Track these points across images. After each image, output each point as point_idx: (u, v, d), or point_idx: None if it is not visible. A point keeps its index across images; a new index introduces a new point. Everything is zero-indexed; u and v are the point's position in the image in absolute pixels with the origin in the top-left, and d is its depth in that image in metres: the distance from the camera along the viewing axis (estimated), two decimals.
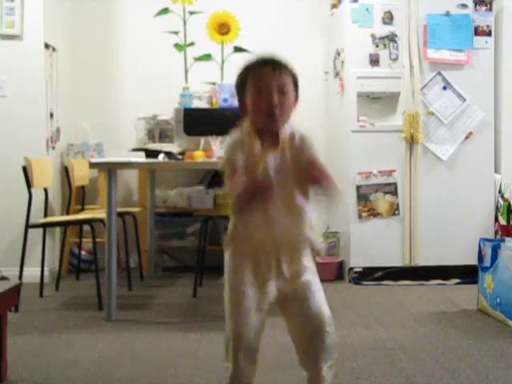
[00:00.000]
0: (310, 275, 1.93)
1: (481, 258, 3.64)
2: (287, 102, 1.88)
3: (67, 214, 4.62)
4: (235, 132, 1.94)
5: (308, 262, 1.94)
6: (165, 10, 4.98)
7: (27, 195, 3.92)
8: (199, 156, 4.00)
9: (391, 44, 4.54)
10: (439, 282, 4.50)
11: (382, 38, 4.54)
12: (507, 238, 3.75)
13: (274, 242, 1.89)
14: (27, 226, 3.92)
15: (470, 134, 4.58)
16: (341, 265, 4.72)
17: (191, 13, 4.97)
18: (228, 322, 1.95)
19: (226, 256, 2.00)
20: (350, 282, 4.54)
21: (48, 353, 2.89)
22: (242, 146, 1.90)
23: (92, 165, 3.78)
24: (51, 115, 4.71)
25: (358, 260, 4.55)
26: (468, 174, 4.58)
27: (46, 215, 4.22)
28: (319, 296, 1.93)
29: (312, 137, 1.95)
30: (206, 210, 4.83)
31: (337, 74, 4.81)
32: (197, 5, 4.96)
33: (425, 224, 4.55)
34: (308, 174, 1.86)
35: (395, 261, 4.56)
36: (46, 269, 4.22)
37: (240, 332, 1.92)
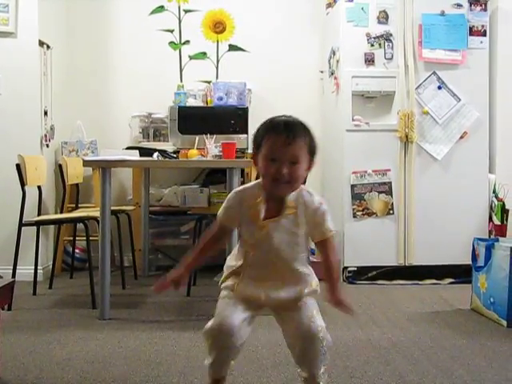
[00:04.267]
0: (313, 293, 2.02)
1: (475, 257, 3.65)
2: (297, 172, 1.91)
3: (61, 212, 4.60)
4: (241, 188, 2.04)
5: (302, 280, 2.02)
6: (160, 8, 4.99)
7: (21, 193, 3.91)
8: (194, 154, 4.00)
9: (386, 43, 4.54)
10: (433, 281, 4.50)
11: (377, 38, 4.54)
12: (501, 238, 3.77)
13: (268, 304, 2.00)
14: (21, 224, 3.90)
15: (465, 133, 4.58)
16: None
17: (186, 11, 4.97)
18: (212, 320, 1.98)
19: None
20: (344, 281, 4.54)
21: (41, 351, 2.88)
22: (240, 204, 1.98)
23: (86, 163, 3.77)
24: (45, 113, 4.70)
25: (352, 259, 4.55)
26: (462, 173, 4.58)
27: (39, 213, 4.21)
28: (311, 304, 1.98)
29: (325, 208, 2.00)
30: (200, 209, 4.82)
31: (332, 73, 4.81)
32: (192, 3, 4.97)
33: (419, 224, 4.55)
34: (332, 301, 1.96)
35: (389, 260, 4.57)
36: (39, 267, 4.21)
37: (222, 323, 1.93)
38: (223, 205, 2.03)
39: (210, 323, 1.96)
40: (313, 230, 1.98)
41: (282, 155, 1.88)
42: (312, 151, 1.96)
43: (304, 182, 2.03)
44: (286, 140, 1.88)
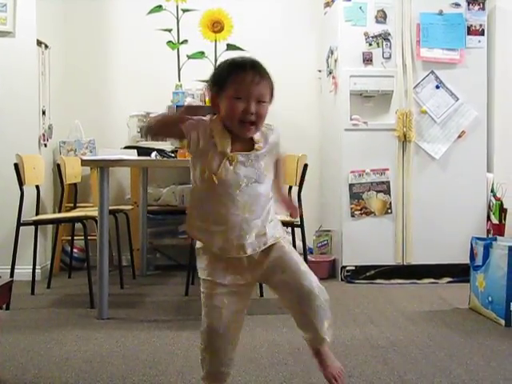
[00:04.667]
0: (279, 245, 1.98)
1: (473, 256, 3.65)
2: (263, 111, 1.89)
3: (59, 211, 4.60)
4: (207, 118, 1.95)
5: (274, 229, 1.99)
6: (158, 8, 4.98)
7: (19, 193, 3.91)
8: None
9: (384, 43, 4.54)
10: (431, 280, 4.51)
11: (375, 37, 4.54)
12: (499, 237, 3.77)
13: (238, 242, 1.93)
14: (19, 224, 3.90)
15: (463, 132, 4.59)
16: (333, 263, 4.73)
17: (184, 10, 4.96)
18: (203, 315, 1.97)
19: (197, 252, 2.02)
20: (342, 280, 4.55)
21: (39, 351, 2.88)
22: (209, 131, 1.89)
23: (84, 162, 3.77)
24: (43, 112, 4.69)
25: (350, 259, 4.55)
26: (460, 172, 4.59)
27: (37, 213, 4.21)
28: (295, 261, 1.97)
29: (279, 132, 2.02)
30: None
31: (330, 73, 4.81)
32: (190, 2, 4.96)
33: (417, 223, 4.56)
34: (279, 199, 2.00)
35: (388, 259, 4.57)
36: (37, 267, 4.21)
37: (211, 322, 1.93)
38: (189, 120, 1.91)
39: (201, 326, 1.96)
40: (273, 152, 1.99)
41: (250, 93, 1.86)
42: (273, 92, 1.94)
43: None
44: (254, 78, 1.86)
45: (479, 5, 4.59)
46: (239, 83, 1.86)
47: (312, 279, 1.94)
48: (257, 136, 1.93)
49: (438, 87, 4.57)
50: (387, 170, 4.55)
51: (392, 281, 4.51)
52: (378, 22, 4.55)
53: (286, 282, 1.95)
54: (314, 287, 1.92)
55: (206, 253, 1.97)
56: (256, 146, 1.92)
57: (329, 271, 4.69)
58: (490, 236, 4.37)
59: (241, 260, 1.94)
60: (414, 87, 4.55)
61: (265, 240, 1.95)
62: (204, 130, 1.89)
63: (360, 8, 4.53)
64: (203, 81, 5.00)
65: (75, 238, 4.67)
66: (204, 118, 1.93)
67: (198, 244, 2.00)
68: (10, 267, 3.86)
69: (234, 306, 1.95)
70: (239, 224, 1.91)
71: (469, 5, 4.59)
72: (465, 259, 3.82)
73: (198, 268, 2.00)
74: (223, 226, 1.91)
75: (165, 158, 4.29)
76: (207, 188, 1.91)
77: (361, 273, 4.55)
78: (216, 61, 5.02)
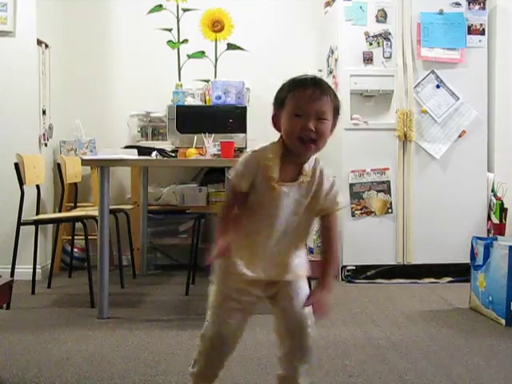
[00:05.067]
0: (298, 278, 1.94)
1: (473, 256, 3.65)
2: (323, 128, 1.81)
3: (60, 211, 4.60)
4: (259, 149, 1.89)
5: (296, 267, 1.93)
6: (158, 7, 4.99)
7: (19, 192, 3.91)
8: (192, 153, 3.99)
9: (385, 42, 4.54)
10: (432, 280, 4.51)
11: (375, 36, 4.54)
12: (500, 237, 3.77)
13: (266, 276, 1.90)
14: (19, 223, 3.90)
15: (463, 132, 4.59)
16: None
17: (185, 10, 4.97)
18: (209, 320, 1.96)
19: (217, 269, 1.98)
20: (342, 280, 4.54)
21: (40, 350, 2.88)
22: (255, 167, 1.85)
23: (84, 162, 3.77)
24: (44, 112, 4.69)
25: (350, 258, 4.55)
26: (461, 172, 4.58)
27: (38, 212, 4.20)
28: (304, 297, 1.92)
29: (337, 184, 1.93)
30: (198, 208, 4.82)
31: (330, 72, 4.81)
32: (190, 2, 4.97)
33: (418, 222, 4.55)
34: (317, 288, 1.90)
35: (388, 259, 4.57)
36: (38, 266, 4.21)
37: (219, 330, 1.92)
38: (236, 166, 1.88)
39: (206, 331, 1.95)
40: (323, 203, 1.90)
41: (308, 109, 1.79)
42: (336, 111, 1.86)
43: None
44: (313, 94, 1.79)
45: (480, 4, 4.59)
46: (298, 99, 1.80)
47: (310, 319, 1.90)
48: (307, 168, 1.87)
49: (438, 87, 4.56)
50: (387, 169, 4.55)
51: (392, 280, 4.51)
52: (378, 21, 4.55)
53: (287, 310, 1.92)
54: (308, 325, 1.89)
55: (228, 269, 1.93)
56: (302, 177, 1.86)
57: None
58: (491, 236, 4.37)
59: (260, 282, 1.92)
60: (415, 87, 4.55)
61: (287, 273, 1.91)
62: (250, 171, 1.85)
63: (360, 7, 4.53)
64: (203, 80, 5.02)
65: (75, 237, 4.67)
66: (258, 149, 1.89)
67: (223, 260, 1.94)
68: (10, 267, 3.87)
69: (241, 317, 1.94)
70: (270, 253, 1.89)
71: (469, 4, 4.59)
72: (465, 259, 3.82)
73: (216, 276, 1.96)
74: (254, 251, 1.89)
75: (165, 158, 4.29)
76: (250, 214, 1.89)
77: (361, 272, 4.55)
78: (216, 60, 5.02)
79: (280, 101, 1.85)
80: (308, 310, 1.91)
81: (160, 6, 4.98)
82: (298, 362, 1.91)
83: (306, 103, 1.79)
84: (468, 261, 3.73)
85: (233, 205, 1.91)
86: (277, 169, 1.84)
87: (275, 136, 1.92)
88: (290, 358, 1.92)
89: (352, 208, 4.53)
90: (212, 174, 5.01)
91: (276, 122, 1.88)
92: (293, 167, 1.87)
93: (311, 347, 1.91)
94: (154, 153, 4.27)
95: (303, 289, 1.94)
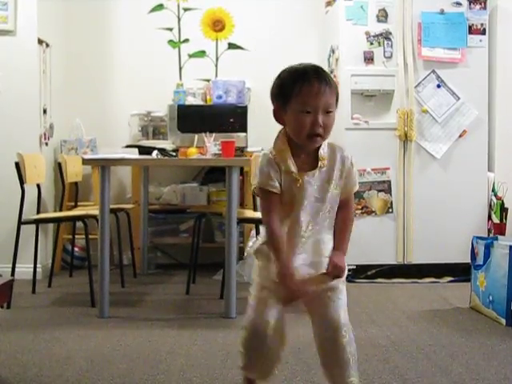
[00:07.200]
0: (336, 282, 1.94)
1: (474, 256, 3.65)
2: (330, 122, 1.81)
3: (60, 210, 4.60)
4: (267, 151, 1.88)
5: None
6: (159, 7, 4.98)
7: (20, 191, 3.91)
8: (193, 153, 4.00)
9: (385, 42, 4.54)
10: (432, 280, 4.51)
11: (376, 36, 4.54)
12: (500, 237, 3.77)
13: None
14: (20, 223, 3.90)
15: (464, 132, 4.59)
16: None
17: (185, 9, 4.97)
18: (247, 317, 1.96)
19: (256, 262, 1.99)
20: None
21: (40, 349, 2.88)
22: (276, 165, 1.84)
23: (85, 161, 3.78)
24: (44, 111, 4.69)
25: (351, 258, 4.47)
26: (461, 172, 4.58)
27: (38, 211, 4.20)
28: (341, 304, 1.91)
29: (351, 159, 1.92)
30: (199, 207, 4.83)
31: (331, 72, 4.80)
32: (191, 1, 4.96)
33: (418, 222, 4.55)
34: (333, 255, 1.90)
35: (388, 259, 4.57)
36: (38, 265, 4.21)
37: (254, 319, 1.93)
38: (259, 171, 1.85)
39: (244, 322, 1.96)
40: (346, 184, 1.90)
41: (317, 105, 1.76)
42: (338, 99, 1.86)
43: None
44: (320, 88, 1.76)
45: (480, 4, 4.59)
46: (306, 95, 1.77)
47: (345, 322, 1.88)
48: (322, 153, 1.85)
49: (439, 86, 4.56)
50: (388, 169, 4.55)
51: (393, 280, 4.51)
52: (379, 21, 4.55)
53: (322, 316, 1.90)
54: (344, 331, 1.86)
55: (267, 265, 1.93)
56: (320, 163, 1.84)
57: None
58: (491, 235, 4.37)
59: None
60: (415, 86, 4.55)
61: (320, 265, 1.90)
62: (274, 170, 1.84)
63: (361, 7, 4.52)
64: (204, 80, 5.02)
65: (76, 236, 4.67)
66: (268, 150, 1.88)
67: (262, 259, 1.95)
68: (10, 266, 3.87)
69: (277, 308, 1.92)
70: (305, 243, 1.88)
71: (470, 4, 4.58)
72: (466, 258, 3.82)
73: (256, 270, 1.97)
74: (292, 243, 1.87)
75: (166, 157, 4.29)
76: (282, 211, 1.87)
77: (362, 272, 4.55)
78: (217, 60, 5.02)
79: (283, 96, 1.82)
80: (344, 317, 1.89)
81: (161, 5, 4.97)
82: (346, 377, 1.86)
83: (314, 99, 1.77)
84: (468, 260, 3.73)
85: (273, 212, 1.86)
86: (292, 160, 1.84)
87: (275, 134, 1.92)
88: (334, 373, 1.89)
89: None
90: (213, 174, 5.01)
91: (279, 117, 1.86)
92: (305, 156, 1.86)
93: (351, 356, 1.87)
94: (155, 152, 4.27)
95: (341, 296, 1.93)
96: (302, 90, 1.78)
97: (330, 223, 1.93)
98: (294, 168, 1.83)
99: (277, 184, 1.84)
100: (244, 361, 1.99)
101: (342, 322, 1.87)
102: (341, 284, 1.95)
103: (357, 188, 1.95)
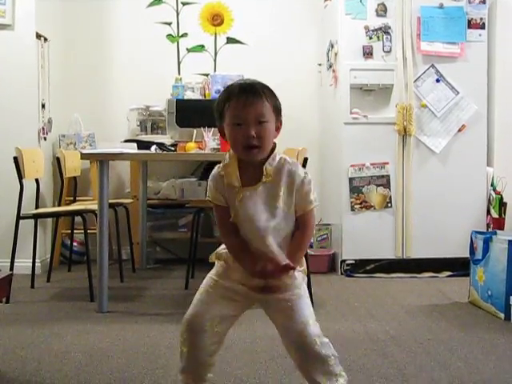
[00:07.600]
0: (296, 289, 1.89)
1: (472, 250, 3.65)
2: (265, 132, 1.81)
3: (59, 205, 4.60)
4: (217, 166, 1.94)
5: (295, 276, 1.89)
6: (157, 1, 4.98)
7: (18, 186, 3.90)
8: (192, 148, 3.99)
9: (385, 36, 4.53)
10: (431, 274, 4.51)
11: (375, 30, 4.53)
12: (499, 231, 3.78)
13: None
14: (18, 217, 3.90)
15: (463, 126, 4.58)
16: (333, 257, 4.73)
17: (184, 3, 4.96)
18: (188, 310, 2.00)
19: (217, 262, 2.00)
20: (342, 274, 4.55)
21: (39, 344, 2.88)
22: (220, 179, 1.90)
23: (84, 156, 3.77)
24: (43, 106, 4.69)
25: (350, 252, 4.55)
26: (460, 166, 4.58)
27: (37, 206, 4.20)
28: (305, 313, 1.87)
29: (310, 179, 1.90)
30: (198, 202, 4.80)
31: (330, 66, 4.80)
32: None
33: (417, 217, 4.55)
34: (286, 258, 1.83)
35: (387, 253, 4.57)
36: (37, 260, 4.21)
37: (196, 311, 1.99)
38: (208, 186, 1.95)
39: (186, 315, 1.96)
40: (298, 202, 1.87)
41: (246, 116, 1.79)
42: (277, 109, 1.86)
43: (274, 147, 1.89)
44: (247, 100, 1.79)
45: None
46: (234, 108, 1.81)
47: (314, 333, 1.83)
48: (268, 167, 1.84)
49: (438, 81, 4.56)
50: (387, 163, 4.55)
51: (392, 275, 4.51)
52: (378, 15, 4.54)
53: (286, 325, 1.86)
54: (314, 342, 1.81)
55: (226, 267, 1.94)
56: (263, 177, 1.84)
57: (329, 265, 4.69)
58: (490, 230, 4.37)
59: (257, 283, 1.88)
60: (415, 81, 4.54)
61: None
62: (219, 185, 1.90)
63: (360, 1, 4.51)
64: (203, 74, 5.01)
65: (75, 231, 4.67)
66: (216, 167, 1.94)
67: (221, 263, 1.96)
68: (9, 260, 3.86)
69: (229, 306, 1.92)
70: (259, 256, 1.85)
71: None
72: (465, 253, 3.82)
73: (215, 270, 1.98)
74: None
75: (164, 152, 4.29)
76: (239, 225, 1.89)
77: (360, 266, 4.55)
78: (216, 54, 5.02)
79: (219, 114, 1.89)
80: (310, 317, 1.86)
81: None
82: (317, 376, 1.83)
83: (242, 111, 1.80)
84: (467, 255, 3.73)
85: (224, 224, 1.90)
86: (236, 174, 1.86)
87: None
88: (306, 373, 1.86)
89: (351, 202, 4.53)
90: (211, 168, 4.96)
91: (223, 134, 1.91)
92: (253, 170, 1.86)
93: (324, 355, 1.83)
94: (154, 147, 4.27)
95: (302, 302, 1.88)
96: (231, 104, 1.82)
97: (285, 241, 1.89)
98: (237, 183, 1.85)
99: (222, 198, 1.89)
100: (181, 361, 1.95)
101: (309, 333, 1.83)
102: (298, 290, 1.89)
103: (312, 207, 1.90)
